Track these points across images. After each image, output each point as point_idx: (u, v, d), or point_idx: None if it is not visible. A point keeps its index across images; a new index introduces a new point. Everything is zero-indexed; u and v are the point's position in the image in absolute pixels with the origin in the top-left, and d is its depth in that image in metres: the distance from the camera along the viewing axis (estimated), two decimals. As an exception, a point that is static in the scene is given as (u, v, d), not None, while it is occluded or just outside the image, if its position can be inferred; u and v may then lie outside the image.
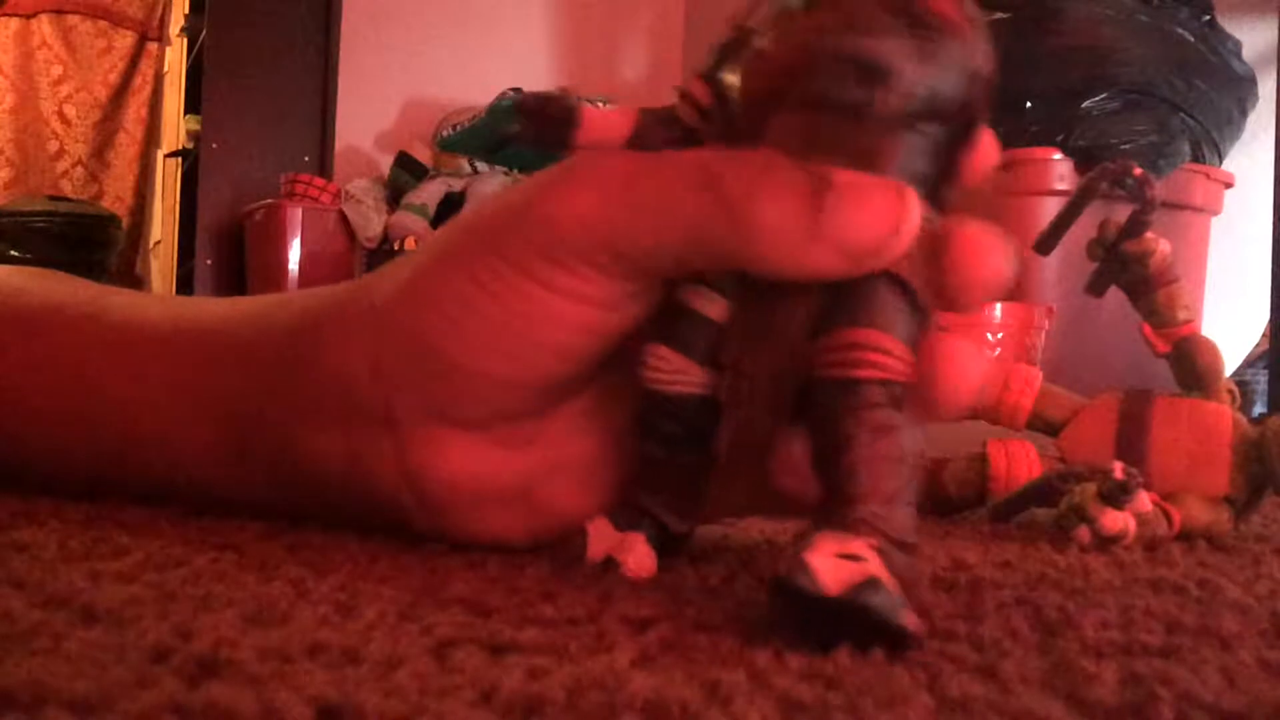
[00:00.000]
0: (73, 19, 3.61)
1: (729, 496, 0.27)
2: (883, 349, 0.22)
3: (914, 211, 0.22)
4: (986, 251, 0.23)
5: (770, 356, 0.24)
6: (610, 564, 0.26)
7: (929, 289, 0.23)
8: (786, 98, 0.23)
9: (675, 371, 0.25)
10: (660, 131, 0.26)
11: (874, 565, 0.20)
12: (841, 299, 0.23)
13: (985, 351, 0.27)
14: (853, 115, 0.22)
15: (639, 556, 0.26)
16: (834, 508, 0.22)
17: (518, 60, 3.08)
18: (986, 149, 0.24)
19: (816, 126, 0.23)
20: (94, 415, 0.33)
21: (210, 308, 0.34)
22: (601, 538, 0.26)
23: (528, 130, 0.26)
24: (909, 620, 0.20)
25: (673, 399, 0.25)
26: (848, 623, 0.20)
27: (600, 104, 3.03)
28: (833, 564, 0.20)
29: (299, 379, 0.28)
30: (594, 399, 0.27)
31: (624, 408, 0.26)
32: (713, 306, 0.25)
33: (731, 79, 0.25)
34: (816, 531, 0.21)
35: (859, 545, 0.21)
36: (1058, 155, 1.67)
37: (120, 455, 0.33)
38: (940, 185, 0.24)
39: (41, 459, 0.35)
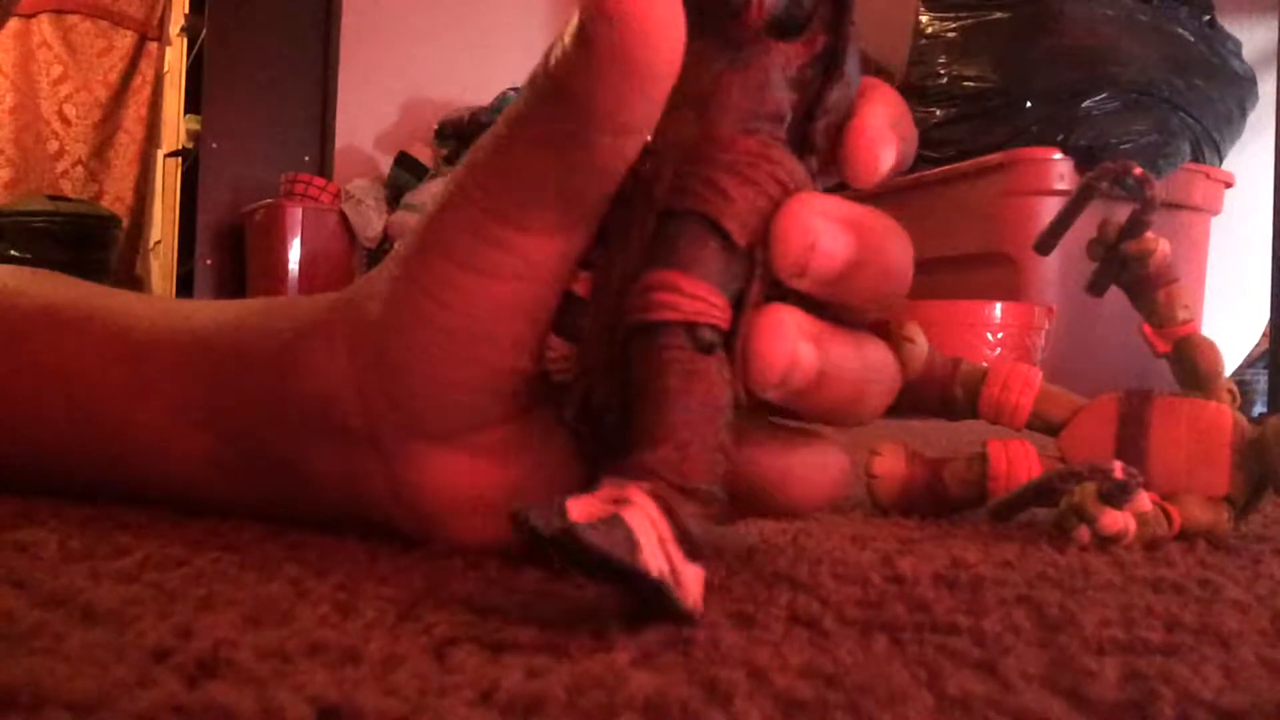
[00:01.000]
0: (73, 19, 3.61)
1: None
2: (680, 289, 0.22)
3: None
4: (878, 141, 0.23)
5: (600, 316, 0.24)
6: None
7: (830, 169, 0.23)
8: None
9: (561, 358, 0.25)
10: None
11: (634, 507, 0.20)
12: (656, 243, 0.23)
13: (803, 338, 0.26)
14: (729, 21, 0.22)
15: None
16: (627, 455, 0.21)
17: (518, 60, 3.08)
18: (872, 129, 0.24)
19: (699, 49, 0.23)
20: (88, 419, 0.33)
21: (206, 313, 0.33)
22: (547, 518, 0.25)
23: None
24: (644, 563, 0.19)
25: (569, 385, 0.25)
26: (573, 554, 0.19)
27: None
28: (587, 503, 0.20)
29: (289, 395, 0.29)
30: (546, 422, 0.27)
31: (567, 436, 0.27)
32: (581, 284, 0.25)
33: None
34: (602, 479, 0.21)
35: (632, 490, 0.20)
36: (1058, 155, 1.67)
37: (116, 460, 0.33)
38: (806, 125, 0.23)
39: (36, 462, 0.35)
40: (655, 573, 0.19)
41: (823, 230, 0.23)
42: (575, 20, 0.22)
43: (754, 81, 0.23)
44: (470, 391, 0.26)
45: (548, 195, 0.24)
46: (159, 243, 3.52)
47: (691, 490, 0.21)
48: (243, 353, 0.30)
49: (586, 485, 0.24)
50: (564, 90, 0.22)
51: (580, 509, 0.19)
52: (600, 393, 0.24)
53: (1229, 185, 1.81)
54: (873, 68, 2.10)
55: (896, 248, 0.24)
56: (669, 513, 0.20)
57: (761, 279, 0.23)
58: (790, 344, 0.23)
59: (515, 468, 0.27)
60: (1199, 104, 1.72)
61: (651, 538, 0.19)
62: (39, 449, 0.35)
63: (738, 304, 0.23)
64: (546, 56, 0.23)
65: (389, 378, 0.26)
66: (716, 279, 0.22)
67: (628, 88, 0.21)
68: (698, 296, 0.22)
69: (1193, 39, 1.75)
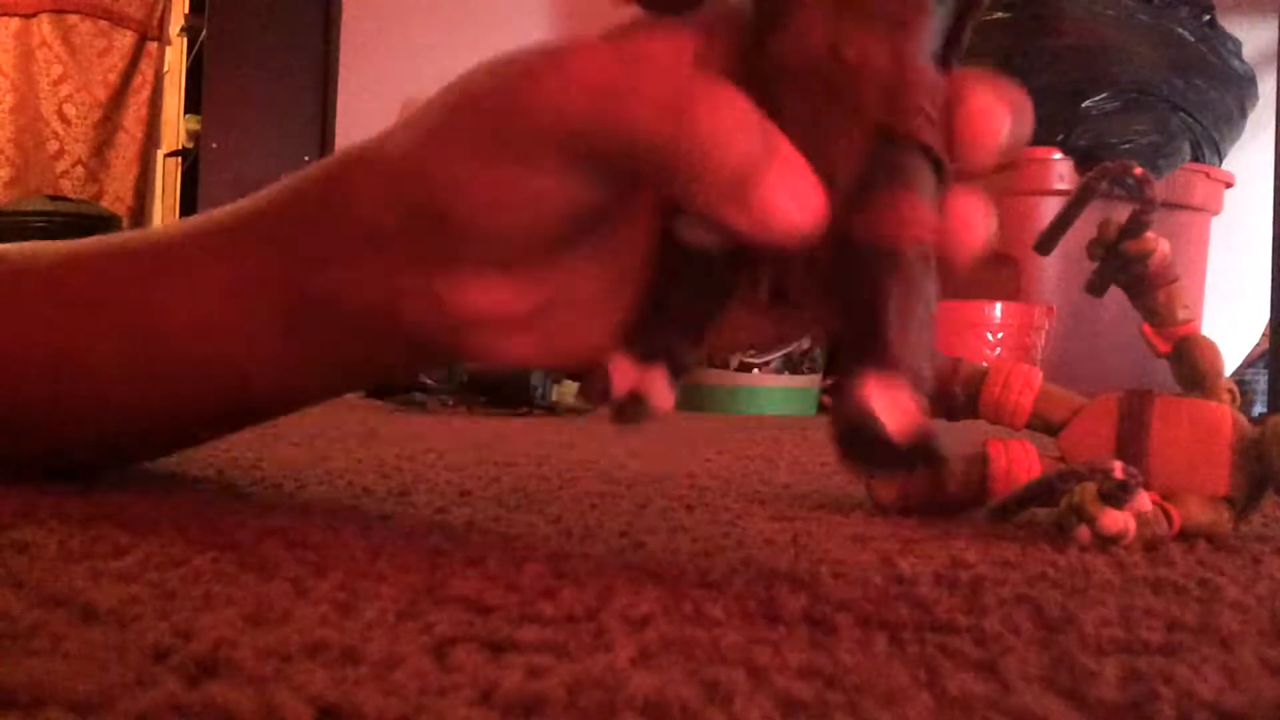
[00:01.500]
0: (73, 19, 3.61)
1: (736, 335, 0.29)
2: (915, 214, 0.24)
3: (819, 214, 0.24)
4: (994, 114, 0.25)
5: None
6: (635, 399, 0.26)
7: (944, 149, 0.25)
8: None
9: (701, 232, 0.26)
10: None
11: (917, 400, 0.23)
12: (877, 166, 0.25)
13: (991, 210, 0.28)
14: None
15: (660, 392, 0.26)
16: (870, 346, 0.24)
17: (518, 60, 3.07)
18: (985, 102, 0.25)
19: None
20: (132, 322, 0.34)
21: (241, 203, 0.34)
22: (624, 374, 0.27)
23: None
24: (945, 451, 0.23)
25: (704, 251, 0.26)
26: (908, 460, 0.22)
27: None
28: (890, 405, 0.23)
29: (335, 233, 0.30)
30: (603, 240, 0.29)
31: (633, 248, 0.28)
32: None
33: None
34: (859, 366, 0.23)
35: (900, 384, 0.23)
36: (1058, 155, 1.67)
37: (148, 348, 0.34)
38: (946, 50, 0.25)
39: (67, 375, 0.35)
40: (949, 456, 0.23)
41: (1001, 112, 0.25)
42: (736, 174, 0.24)
43: (938, 7, 0.25)
44: (514, 238, 0.27)
45: (624, 165, 0.26)
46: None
47: (923, 383, 0.24)
48: (292, 203, 0.32)
49: (613, 318, 0.28)
50: (677, 175, 0.24)
51: (883, 409, 0.23)
52: (795, 281, 0.26)
53: (1229, 185, 1.81)
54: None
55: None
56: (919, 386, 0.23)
57: (949, 178, 0.25)
58: (986, 223, 0.26)
59: (544, 292, 0.29)
60: (1199, 104, 1.72)
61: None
62: (71, 366, 0.35)
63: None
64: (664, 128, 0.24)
65: (427, 214, 0.28)
66: (932, 198, 0.25)
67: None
68: (927, 219, 0.24)
69: (1193, 39, 1.75)
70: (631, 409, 0.26)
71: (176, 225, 0.36)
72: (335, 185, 0.31)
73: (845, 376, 0.23)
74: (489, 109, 0.26)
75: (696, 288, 0.27)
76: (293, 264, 0.32)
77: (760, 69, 0.26)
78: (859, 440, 0.23)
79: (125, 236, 0.37)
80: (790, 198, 0.24)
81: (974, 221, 0.25)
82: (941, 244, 0.25)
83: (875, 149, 0.25)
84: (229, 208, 0.35)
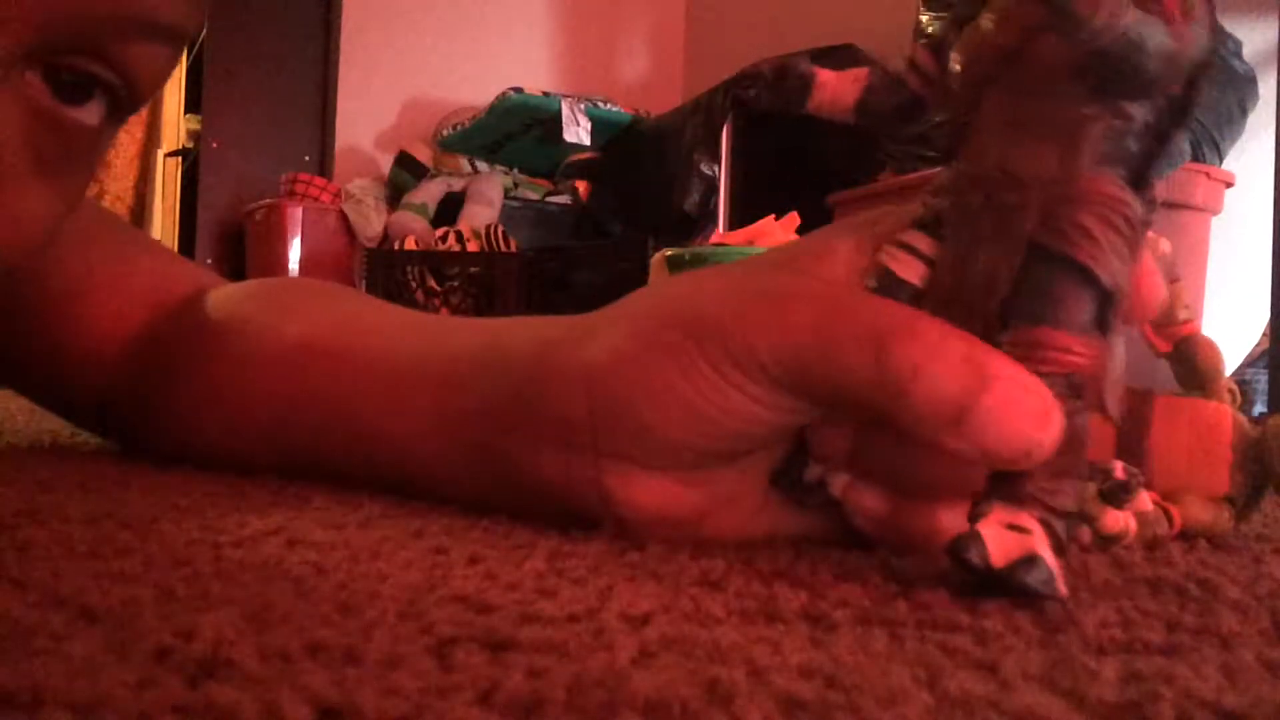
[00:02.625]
0: (73, 19, 3.60)
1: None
2: (1064, 348, 0.24)
3: (1053, 433, 0.24)
4: (1158, 285, 0.27)
5: (953, 307, 0.26)
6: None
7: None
8: (1000, 79, 0.25)
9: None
10: (887, 96, 0.28)
11: (1036, 538, 0.24)
12: (1028, 290, 0.25)
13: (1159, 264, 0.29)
14: (1072, 28, 0.23)
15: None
16: (1007, 480, 0.25)
17: (518, 60, 3.08)
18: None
19: (1020, 106, 0.25)
20: (347, 431, 0.39)
21: (463, 334, 0.39)
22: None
23: (765, 98, 0.28)
24: (1059, 589, 0.23)
25: None
26: (1007, 590, 0.23)
27: (601, 104, 3.02)
28: (1000, 536, 0.24)
29: (533, 410, 0.33)
30: (762, 454, 0.31)
31: (775, 453, 0.31)
32: (911, 269, 0.27)
33: (955, 53, 0.26)
34: (990, 501, 0.24)
35: (1025, 518, 0.24)
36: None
37: (366, 460, 0.39)
38: (1146, 166, 0.25)
39: (294, 461, 0.41)
40: (1064, 593, 0.24)
41: (1163, 289, 0.27)
42: (960, 406, 0.24)
43: (1118, 129, 0.25)
44: (692, 451, 0.29)
45: (833, 402, 0.27)
46: (155, 239, 3.51)
47: (1063, 513, 0.25)
48: (494, 371, 0.35)
49: (760, 518, 0.31)
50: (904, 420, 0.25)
51: (996, 543, 0.24)
52: None
53: (1229, 185, 1.80)
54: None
55: None
56: (1051, 533, 0.24)
57: (1118, 321, 0.25)
58: (1162, 284, 0.27)
59: (706, 496, 0.31)
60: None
61: (1055, 563, 0.24)
62: (302, 455, 0.41)
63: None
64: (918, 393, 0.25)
65: (620, 421, 0.30)
66: (1089, 327, 0.25)
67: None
68: (1079, 352, 0.25)
69: (1193, 38, 1.74)
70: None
71: (392, 334, 0.41)
72: (533, 380, 0.33)
73: (979, 499, 0.25)
74: (705, 334, 0.28)
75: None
76: (485, 422, 0.34)
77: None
78: (959, 566, 0.24)
79: (347, 337, 0.42)
80: (1016, 418, 0.24)
81: (1152, 283, 0.26)
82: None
83: (1030, 265, 0.25)
84: (445, 327, 0.41)
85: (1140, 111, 0.25)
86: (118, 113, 0.34)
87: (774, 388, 0.27)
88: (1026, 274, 0.25)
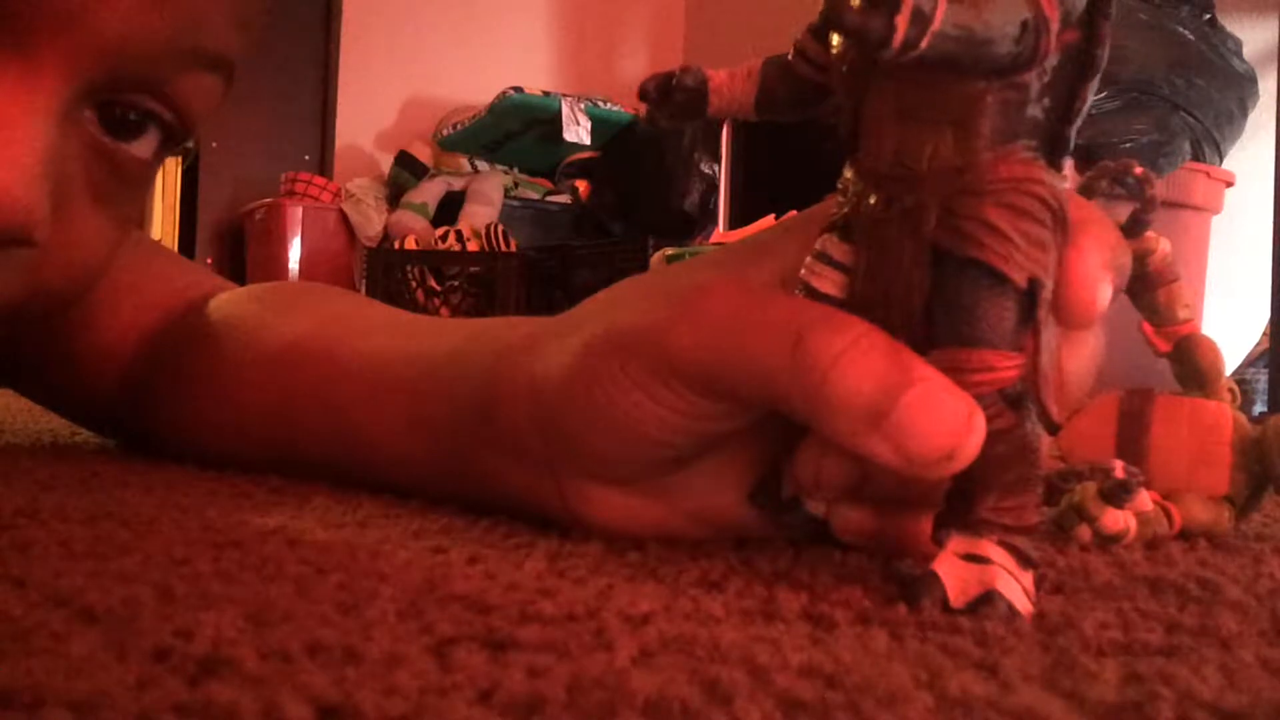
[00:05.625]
0: (73, 18, 3.60)
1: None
2: (987, 367, 0.23)
3: (976, 438, 0.23)
4: (1095, 284, 0.24)
5: (883, 324, 0.24)
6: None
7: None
8: (880, 65, 0.23)
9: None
10: (783, 87, 0.26)
11: (996, 566, 0.23)
12: (942, 304, 0.23)
13: (1111, 261, 0.27)
14: (873, 50, 0.20)
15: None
16: (959, 506, 0.24)
17: (518, 60, 3.08)
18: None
19: (906, 93, 0.23)
20: (333, 427, 0.40)
21: (429, 341, 0.39)
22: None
23: (658, 112, 0.26)
24: (1025, 614, 0.23)
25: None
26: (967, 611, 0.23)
27: (601, 103, 3.02)
28: (958, 573, 0.23)
29: (485, 423, 0.33)
30: (720, 459, 0.30)
31: (745, 461, 0.30)
32: (828, 280, 0.25)
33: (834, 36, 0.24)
34: (947, 530, 0.24)
35: (984, 546, 0.23)
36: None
37: (350, 456, 0.40)
38: (1061, 130, 0.23)
39: (299, 462, 0.42)
40: (1028, 613, 0.23)
41: (1103, 281, 0.24)
42: (879, 404, 0.23)
43: (1014, 100, 0.22)
44: (632, 464, 0.29)
45: (751, 403, 0.26)
46: (159, 241, 3.51)
47: (1022, 529, 0.24)
48: (457, 378, 0.35)
49: (728, 524, 0.30)
50: (826, 423, 0.24)
51: (953, 580, 0.23)
52: None
53: (1229, 184, 1.80)
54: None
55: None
56: (1014, 552, 0.23)
57: (1045, 315, 0.23)
58: (1103, 279, 0.24)
59: (667, 506, 0.31)
60: (1199, 103, 1.72)
61: (1016, 590, 0.23)
62: (296, 454, 0.42)
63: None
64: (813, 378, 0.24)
65: (563, 436, 0.30)
66: (1014, 335, 0.23)
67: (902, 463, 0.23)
68: (1008, 366, 0.23)
69: (1193, 38, 1.74)
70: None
71: (373, 335, 0.42)
72: (488, 393, 0.33)
73: (940, 520, 0.24)
74: (630, 348, 0.27)
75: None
76: (453, 429, 0.35)
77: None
78: (911, 590, 0.23)
79: (332, 338, 0.42)
80: (937, 419, 0.22)
81: (1087, 278, 0.24)
82: (1057, 303, 0.23)
83: (939, 273, 0.23)
84: (421, 329, 0.41)
85: (1033, 76, 0.22)
86: (169, 144, 0.35)
87: (692, 394, 0.26)
88: (937, 284, 0.23)
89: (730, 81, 0.26)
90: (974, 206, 0.22)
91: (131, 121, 0.33)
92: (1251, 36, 1.83)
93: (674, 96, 0.26)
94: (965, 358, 0.23)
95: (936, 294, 0.23)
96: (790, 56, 0.26)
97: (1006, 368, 0.23)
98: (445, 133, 2.85)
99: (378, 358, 0.40)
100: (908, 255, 0.23)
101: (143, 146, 0.34)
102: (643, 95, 0.26)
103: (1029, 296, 0.23)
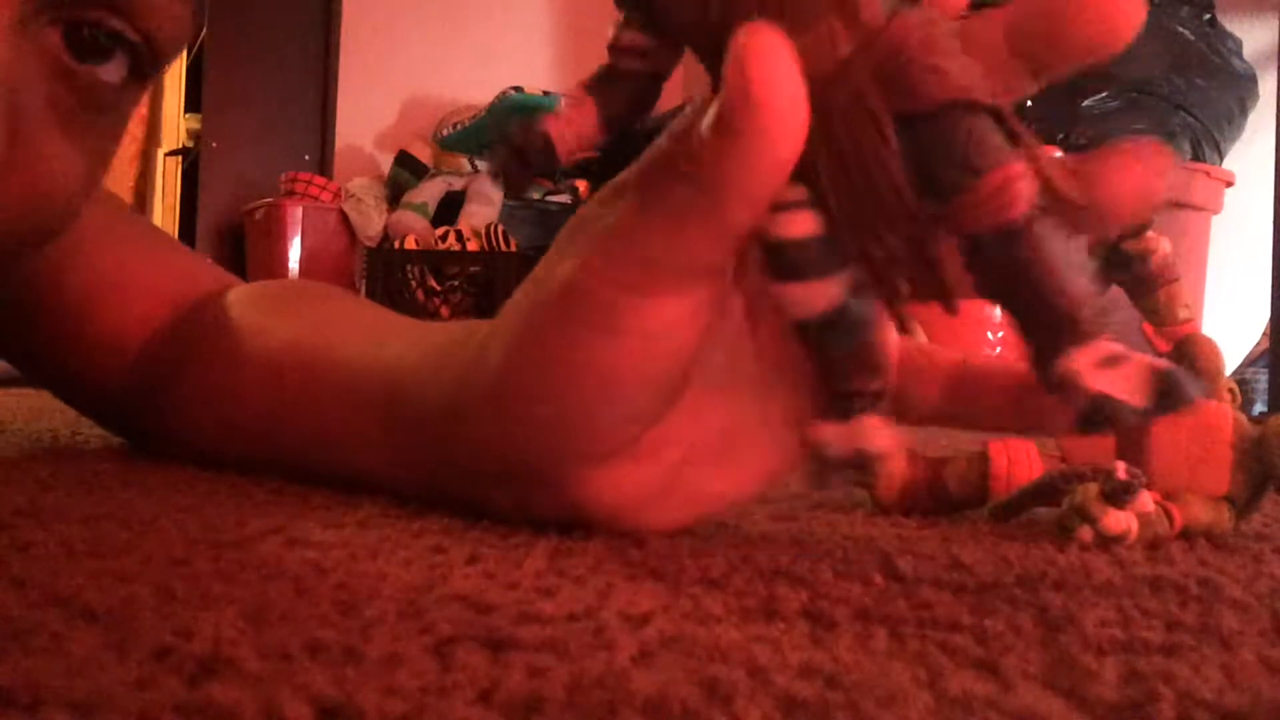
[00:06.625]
0: (73, 18, 3.60)
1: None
2: (1018, 175, 0.22)
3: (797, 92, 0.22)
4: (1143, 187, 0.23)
5: (875, 220, 0.23)
6: (862, 455, 0.26)
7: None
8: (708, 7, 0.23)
9: (816, 299, 0.25)
10: (618, 96, 0.26)
11: (1135, 357, 0.23)
12: (942, 160, 0.22)
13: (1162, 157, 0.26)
14: None
15: (878, 432, 0.26)
16: (1059, 328, 0.23)
17: (518, 60, 3.08)
18: None
19: (774, 7, 0.23)
20: (322, 435, 0.40)
21: (396, 349, 0.38)
22: (841, 441, 0.26)
23: (517, 176, 0.26)
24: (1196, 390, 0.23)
25: (830, 320, 0.25)
26: (1157, 412, 0.23)
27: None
28: (1116, 380, 0.22)
29: (454, 447, 0.32)
30: (699, 390, 0.29)
31: (734, 388, 0.29)
32: (800, 224, 0.24)
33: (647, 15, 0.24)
34: (1066, 349, 0.23)
35: (1107, 347, 0.23)
36: (1058, 154, 1.67)
37: (331, 465, 0.39)
38: None
39: (294, 463, 0.41)
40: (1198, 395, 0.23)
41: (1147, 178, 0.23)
42: (715, 109, 0.23)
43: None
44: (614, 423, 0.28)
45: (676, 261, 0.25)
46: (171, 235, 3.51)
47: (1107, 310, 0.23)
48: (428, 384, 0.34)
49: (739, 454, 0.29)
50: (702, 170, 0.23)
51: (1114, 388, 0.22)
52: (896, 286, 0.25)
53: (1229, 184, 1.80)
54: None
55: None
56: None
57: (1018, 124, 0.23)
58: (1150, 175, 0.23)
59: (668, 460, 0.30)
60: (1199, 102, 1.72)
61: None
62: (290, 455, 0.41)
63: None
64: (679, 139, 0.24)
65: (532, 429, 0.29)
66: (1007, 144, 0.22)
67: (765, 165, 0.23)
68: (1028, 173, 0.22)
69: (1193, 37, 1.74)
70: (864, 464, 0.26)
71: (356, 339, 0.41)
72: (451, 414, 0.32)
73: (1048, 362, 0.23)
74: (557, 299, 0.27)
75: (843, 341, 0.25)
76: (424, 440, 0.34)
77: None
78: (1102, 419, 0.23)
79: (317, 342, 0.42)
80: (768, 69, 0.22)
81: (1134, 174, 0.23)
82: (1096, 209, 0.23)
83: (921, 140, 0.22)
84: (399, 334, 0.40)
85: None
86: (139, 72, 0.34)
87: (631, 297, 0.26)
88: (918, 150, 0.22)
89: (566, 123, 0.26)
90: (901, 63, 0.22)
91: (99, 44, 0.32)
92: (1251, 36, 1.83)
93: (531, 164, 0.26)
94: (997, 179, 0.22)
95: (933, 158, 0.22)
96: (610, 60, 0.26)
97: (1028, 174, 0.22)
98: (445, 133, 2.85)
99: (350, 368, 0.39)
100: (869, 141, 0.23)
101: (111, 71, 0.33)
102: (501, 175, 0.26)
103: (996, 111, 0.23)
